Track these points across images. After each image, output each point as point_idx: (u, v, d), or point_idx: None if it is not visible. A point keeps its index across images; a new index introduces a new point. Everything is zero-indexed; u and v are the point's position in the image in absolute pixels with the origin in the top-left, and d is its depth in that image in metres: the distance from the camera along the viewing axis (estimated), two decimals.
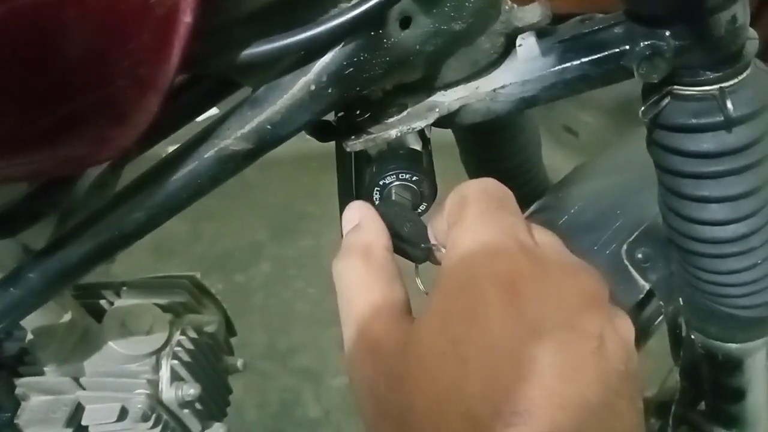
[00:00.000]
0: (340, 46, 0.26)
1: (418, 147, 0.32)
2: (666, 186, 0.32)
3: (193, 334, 0.48)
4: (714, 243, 0.32)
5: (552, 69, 0.29)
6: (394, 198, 0.30)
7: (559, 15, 0.30)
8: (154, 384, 0.46)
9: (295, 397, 1.06)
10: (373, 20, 0.26)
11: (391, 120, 0.30)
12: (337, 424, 1.03)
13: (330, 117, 0.32)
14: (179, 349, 0.47)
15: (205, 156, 0.28)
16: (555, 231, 0.26)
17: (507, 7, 0.29)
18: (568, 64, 0.29)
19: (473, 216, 0.23)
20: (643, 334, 0.40)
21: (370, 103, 0.31)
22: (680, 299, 0.37)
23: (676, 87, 0.28)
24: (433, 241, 0.26)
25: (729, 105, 0.27)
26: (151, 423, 0.46)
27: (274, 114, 0.27)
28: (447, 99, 0.30)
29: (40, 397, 0.46)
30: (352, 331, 0.23)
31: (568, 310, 0.21)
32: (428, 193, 0.30)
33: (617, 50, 0.28)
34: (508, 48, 0.30)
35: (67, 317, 0.44)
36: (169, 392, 0.46)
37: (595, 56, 0.28)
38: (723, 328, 0.36)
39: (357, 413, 0.23)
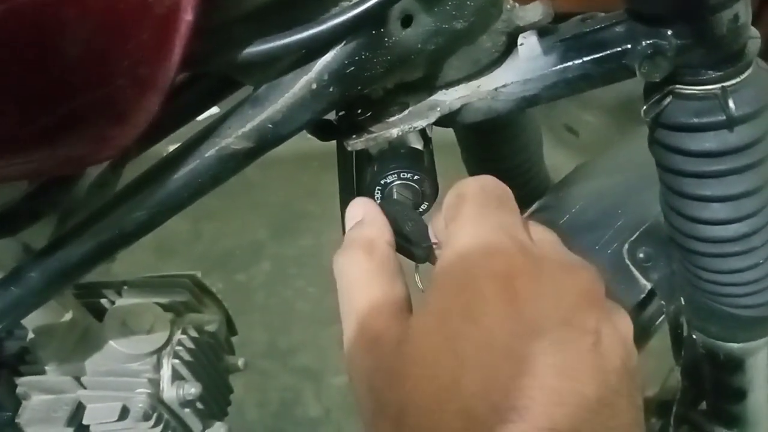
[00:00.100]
0: (342, 44, 0.26)
1: (419, 146, 0.32)
2: (668, 185, 0.32)
3: (194, 333, 0.48)
4: (715, 242, 0.31)
5: (553, 68, 0.29)
6: (395, 197, 0.30)
7: (559, 14, 0.30)
8: (155, 383, 0.46)
9: (295, 396, 1.06)
10: (374, 19, 0.26)
11: (392, 119, 0.30)
12: (337, 423, 1.03)
13: (331, 116, 0.32)
14: (180, 348, 0.47)
15: (206, 155, 0.28)
16: (556, 230, 0.26)
17: (508, 6, 0.29)
18: (570, 63, 0.29)
19: (470, 213, 0.23)
20: (644, 334, 0.40)
21: (371, 101, 0.31)
22: (682, 299, 0.37)
23: (677, 86, 0.28)
24: (433, 240, 0.26)
25: (731, 104, 0.27)
26: (152, 422, 0.46)
27: (275, 113, 0.27)
28: (448, 98, 0.30)
29: (41, 396, 0.46)
30: (352, 327, 0.23)
31: (564, 307, 0.21)
32: (429, 192, 0.30)
33: (619, 49, 0.28)
34: (510, 47, 0.30)
35: (68, 316, 0.44)
36: (170, 391, 0.46)
37: (597, 55, 0.28)
38: (724, 328, 0.36)
39: (356, 411, 0.23)
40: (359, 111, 0.31)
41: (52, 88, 0.23)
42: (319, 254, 1.25)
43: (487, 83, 0.30)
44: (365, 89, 0.28)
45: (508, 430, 0.18)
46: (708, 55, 0.27)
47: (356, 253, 0.24)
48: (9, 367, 0.46)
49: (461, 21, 0.27)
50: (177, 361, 0.47)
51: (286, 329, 1.16)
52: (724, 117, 0.28)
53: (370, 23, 0.26)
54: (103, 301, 0.49)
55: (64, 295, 0.45)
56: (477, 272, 0.21)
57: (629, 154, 0.43)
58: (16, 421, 0.45)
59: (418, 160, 0.31)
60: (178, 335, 0.47)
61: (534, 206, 0.41)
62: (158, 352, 0.46)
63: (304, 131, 0.30)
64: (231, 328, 0.56)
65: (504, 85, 0.30)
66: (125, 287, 0.49)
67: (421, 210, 0.31)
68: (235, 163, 0.28)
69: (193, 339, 0.48)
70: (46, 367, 0.45)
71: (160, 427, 0.46)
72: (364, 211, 0.27)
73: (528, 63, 0.30)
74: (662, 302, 0.39)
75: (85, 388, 0.46)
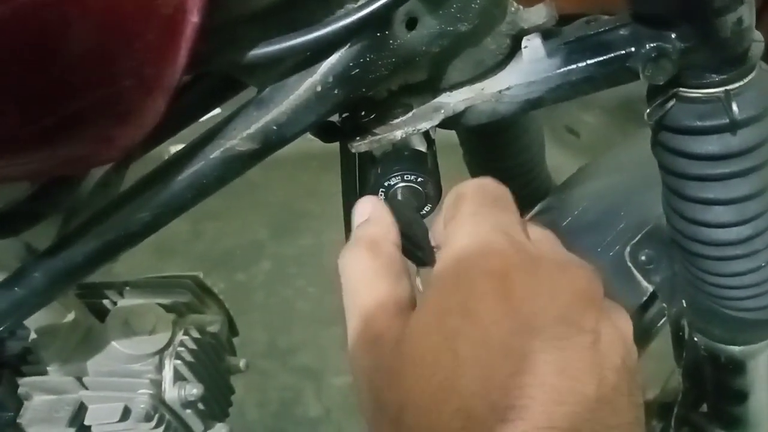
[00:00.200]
0: (347, 46, 0.26)
1: (422, 148, 0.32)
2: (670, 188, 0.32)
3: (195, 334, 0.48)
4: (718, 245, 0.32)
5: (557, 70, 0.29)
6: (399, 199, 0.30)
7: (561, 15, 0.30)
8: (157, 384, 0.46)
9: (295, 395, 1.06)
10: (379, 21, 0.26)
11: (396, 121, 0.30)
12: (337, 423, 1.03)
13: (334, 117, 0.32)
14: (182, 349, 0.47)
15: (211, 156, 0.28)
16: (559, 232, 0.26)
17: (513, 9, 0.29)
18: (574, 66, 0.29)
19: (467, 213, 0.24)
20: (646, 336, 0.40)
21: (375, 103, 0.31)
22: (683, 301, 0.37)
23: (681, 89, 0.28)
24: (433, 243, 0.26)
25: (734, 107, 0.27)
26: (153, 423, 0.46)
27: (279, 114, 0.27)
28: (452, 100, 0.30)
29: (43, 397, 0.46)
30: (355, 324, 0.23)
31: (562, 305, 0.21)
32: (433, 195, 0.30)
33: (623, 52, 0.28)
34: (514, 49, 0.30)
35: (70, 317, 0.44)
36: (172, 392, 0.46)
37: (601, 58, 0.28)
38: (726, 330, 0.36)
39: (359, 409, 0.23)
40: (363, 113, 0.31)
41: (58, 89, 0.23)
42: (320, 254, 1.25)
43: (491, 85, 0.30)
44: (369, 91, 0.29)
45: (508, 430, 0.18)
46: (712, 58, 0.27)
47: (361, 251, 0.24)
48: (11, 367, 0.46)
49: (465, 23, 0.27)
50: (179, 361, 0.47)
51: (287, 329, 1.16)
52: (728, 120, 0.28)
53: (374, 25, 0.26)
54: (105, 301, 0.49)
55: (67, 296, 0.45)
56: (474, 271, 0.21)
57: (631, 156, 0.43)
58: (18, 421, 0.45)
59: (421, 162, 0.31)
60: (180, 336, 0.47)
61: (537, 208, 0.41)
62: (160, 352, 0.46)
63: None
64: (233, 328, 0.56)
65: (508, 88, 0.30)
66: (127, 288, 0.49)
67: (424, 212, 0.31)
68: (239, 164, 0.28)
69: (194, 340, 0.48)
70: (48, 368, 0.45)
71: (162, 427, 0.46)
72: (371, 210, 0.27)
73: (532, 65, 0.30)
74: (664, 305, 0.39)
75: (86, 388, 0.46)
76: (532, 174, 0.45)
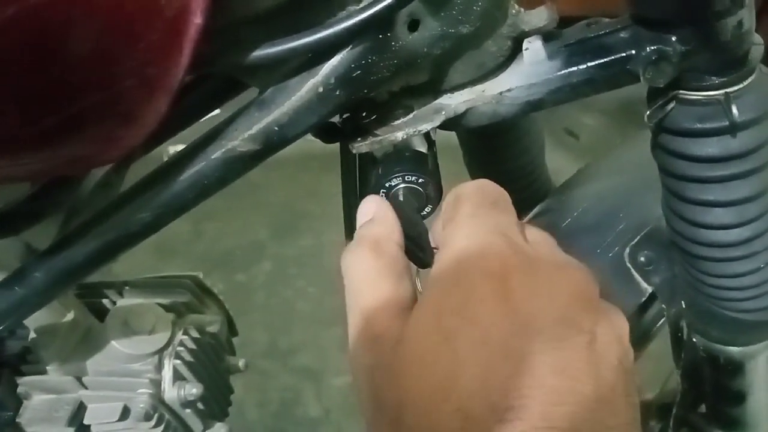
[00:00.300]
0: (349, 48, 0.26)
1: (423, 149, 0.32)
2: (670, 189, 0.32)
3: (195, 334, 0.48)
4: (717, 247, 0.32)
5: (558, 73, 0.29)
6: (400, 200, 0.30)
7: (562, 18, 0.30)
8: (156, 383, 0.46)
9: (295, 396, 1.06)
10: (381, 23, 0.26)
11: (397, 122, 0.31)
12: (337, 423, 1.03)
13: (335, 118, 0.32)
14: (182, 348, 0.47)
15: (213, 157, 0.28)
16: (558, 233, 0.26)
17: (514, 11, 0.29)
18: (575, 68, 0.29)
19: (466, 215, 0.24)
20: (644, 337, 0.40)
21: (376, 105, 0.31)
22: (682, 302, 0.37)
23: (681, 91, 0.28)
24: (433, 245, 0.26)
25: (734, 110, 0.27)
26: (153, 422, 0.46)
27: (281, 115, 0.27)
28: (453, 102, 0.30)
29: (43, 396, 0.46)
30: (356, 324, 0.23)
31: (559, 305, 0.21)
32: (434, 195, 0.30)
33: (623, 54, 0.28)
34: (515, 51, 0.30)
35: (69, 316, 0.44)
36: (171, 392, 0.46)
37: (602, 60, 0.28)
38: (725, 331, 0.36)
39: (359, 409, 0.23)
40: (364, 114, 0.31)
41: (60, 89, 0.23)
42: (320, 254, 1.25)
43: (492, 87, 0.30)
44: (371, 93, 0.29)
45: (506, 430, 0.18)
46: (712, 61, 0.27)
47: (364, 251, 0.25)
48: (10, 366, 0.46)
49: (467, 25, 0.27)
50: (178, 361, 0.47)
51: (287, 329, 1.16)
52: (727, 123, 0.28)
53: (377, 27, 0.26)
54: (105, 301, 0.49)
55: (66, 296, 0.45)
56: (473, 272, 0.21)
57: (631, 157, 0.43)
58: (17, 420, 0.45)
59: (422, 163, 0.31)
60: (180, 336, 0.47)
61: (536, 209, 0.41)
62: (160, 352, 0.46)
63: None
64: (232, 328, 0.56)
65: (509, 90, 0.30)
66: (127, 288, 0.49)
67: (425, 213, 0.31)
68: (241, 165, 0.29)
69: (194, 339, 0.48)
70: (48, 367, 0.45)
71: (161, 427, 0.46)
72: (375, 210, 0.27)
73: (533, 67, 0.30)
74: (663, 306, 0.39)
75: (86, 388, 0.46)
76: (532, 176, 0.45)
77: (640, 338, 0.40)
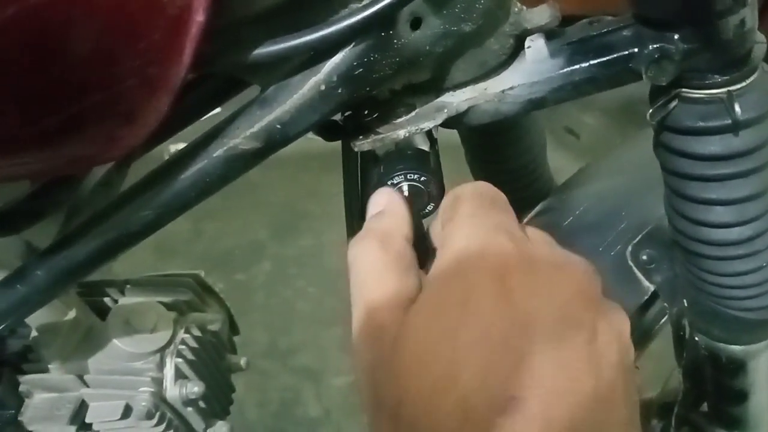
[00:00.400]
0: (351, 46, 0.26)
1: (425, 147, 0.32)
2: (672, 188, 0.32)
3: (197, 333, 0.48)
4: (719, 245, 0.32)
5: (560, 71, 0.29)
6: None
7: (564, 16, 0.30)
8: (158, 382, 0.46)
9: (295, 396, 1.06)
10: (383, 21, 0.26)
11: (399, 120, 0.31)
12: (337, 423, 1.03)
13: (337, 116, 0.32)
14: (183, 347, 0.47)
15: (214, 155, 0.28)
16: (560, 232, 0.27)
17: (516, 9, 0.29)
18: (577, 67, 0.29)
19: (466, 214, 0.24)
20: (646, 336, 0.40)
21: (378, 103, 0.31)
22: (684, 301, 0.37)
23: (683, 90, 0.28)
24: (431, 245, 0.26)
25: (736, 108, 0.27)
26: (155, 421, 0.46)
27: (283, 113, 0.27)
28: (455, 100, 0.30)
29: (44, 395, 0.46)
30: (360, 317, 0.23)
31: (560, 304, 0.21)
32: (436, 194, 0.30)
33: (626, 53, 0.28)
34: (517, 49, 0.30)
35: (71, 315, 0.44)
36: (173, 390, 0.46)
37: (604, 59, 0.28)
38: (727, 330, 0.36)
39: (360, 403, 0.23)
40: (366, 112, 0.31)
41: (62, 89, 0.23)
42: (320, 254, 1.25)
43: (494, 85, 0.30)
44: (373, 91, 0.29)
45: (506, 423, 0.18)
46: (714, 60, 0.27)
47: (371, 242, 0.25)
48: (12, 365, 0.46)
49: (469, 23, 0.27)
50: (180, 360, 0.47)
51: (287, 329, 1.16)
52: (730, 121, 0.28)
53: (379, 25, 0.26)
54: (107, 299, 0.49)
55: (68, 294, 0.45)
56: (473, 269, 0.21)
57: (633, 156, 0.43)
58: (19, 419, 0.45)
59: (424, 161, 0.31)
60: (181, 334, 0.47)
61: (537, 208, 0.41)
62: (161, 350, 0.46)
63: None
64: (233, 327, 0.56)
65: (511, 88, 0.30)
66: (128, 286, 0.49)
67: (427, 211, 0.31)
68: (242, 163, 0.29)
69: (196, 338, 0.48)
70: (49, 366, 0.45)
71: (163, 425, 0.46)
72: (386, 202, 0.27)
73: (535, 65, 0.30)
74: (665, 304, 0.39)
75: (88, 386, 0.46)
76: (534, 175, 0.45)
77: (641, 337, 0.40)
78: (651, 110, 0.29)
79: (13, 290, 0.33)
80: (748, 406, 0.40)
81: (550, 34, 0.30)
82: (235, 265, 1.28)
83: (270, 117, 0.27)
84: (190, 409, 0.48)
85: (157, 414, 0.46)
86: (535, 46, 0.30)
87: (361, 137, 0.31)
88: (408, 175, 0.29)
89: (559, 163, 0.49)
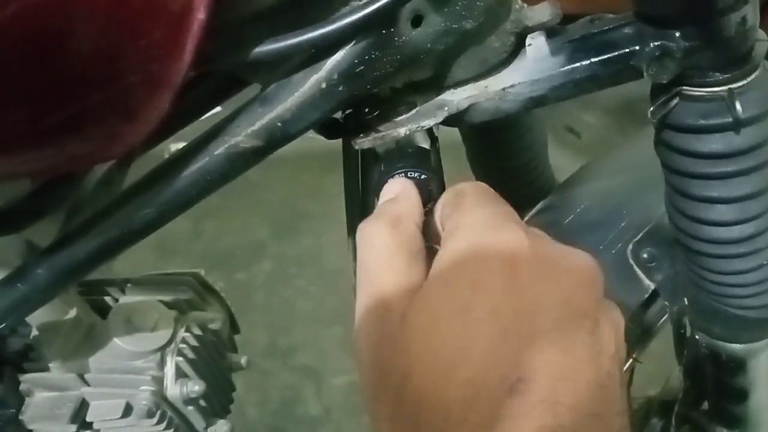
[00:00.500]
0: (352, 44, 0.26)
1: (426, 145, 0.32)
2: (673, 186, 0.32)
3: (197, 331, 0.48)
4: (720, 243, 0.32)
5: (561, 69, 0.29)
6: None
7: (565, 15, 0.30)
8: (158, 381, 0.46)
9: (295, 395, 1.07)
10: (384, 18, 0.26)
11: (400, 118, 0.31)
12: (337, 422, 1.03)
13: (337, 114, 0.32)
14: (184, 346, 0.47)
15: (215, 153, 0.28)
16: (561, 230, 0.27)
17: (517, 6, 0.29)
18: (578, 64, 0.29)
19: (472, 203, 0.25)
20: (647, 334, 0.40)
21: (379, 101, 0.31)
22: (685, 299, 0.37)
23: (685, 88, 0.28)
24: (426, 241, 0.27)
25: (738, 106, 0.27)
26: (155, 419, 0.46)
27: (284, 111, 0.27)
28: (456, 98, 0.30)
29: (45, 394, 0.46)
30: (365, 297, 0.24)
31: (566, 290, 0.21)
32: (436, 192, 0.30)
33: (627, 50, 0.28)
34: (518, 47, 0.30)
35: (72, 314, 0.44)
36: (173, 389, 0.46)
37: (605, 56, 0.28)
38: (727, 329, 0.36)
39: (359, 399, 0.23)
40: (367, 110, 0.31)
41: (64, 87, 0.23)
42: (320, 254, 1.25)
43: (495, 83, 0.30)
44: (374, 88, 0.29)
45: (515, 403, 0.19)
46: (715, 57, 0.27)
47: (382, 224, 0.25)
48: (13, 364, 0.46)
49: (471, 21, 0.27)
50: (181, 358, 0.47)
51: (287, 329, 1.16)
52: (731, 119, 0.28)
53: (380, 23, 0.26)
54: (107, 298, 0.49)
55: (69, 293, 0.45)
56: (484, 252, 0.22)
57: (634, 154, 0.43)
58: (20, 418, 0.45)
59: (425, 159, 0.31)
60: (182, 333, 0.47)
61: (539, 206, 0.41)
62: (162, 349, 0.46)
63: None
64: (234, 326, 0.56)
65: (512, 86, 0.30)
66: (129, 285, 0.49)
67: (427, 209, 0.31)
68: (243, 161, 0.29)
69: (196, 337, 0.48)
70: (50, 364, 0.45)
71: (164, 424, 0.46)
72: (400, 189, 0.27)
73: (536, 63, 0.30)
74: (666, 302, 0.39)
75: (88, 385, 0.46)
76: (535, 173, 0.45)
77: (642, 335, 0.40)
78: (652, 108, 0.29)
79: (13, 289, 0.33)
80: (748, 405, 0.40)
81: (551, 32, 0.30)
82: (235, 265, 1.28)
83: (271, 115, 0.27)
84: (190, 407, 0.48)
85: (158, 413, 0.46)
86: (536, 43, 0.30)
87: (361, 135, 0.31)
88: (408, 173, 0.29)
89: (560, 162, 0.49)
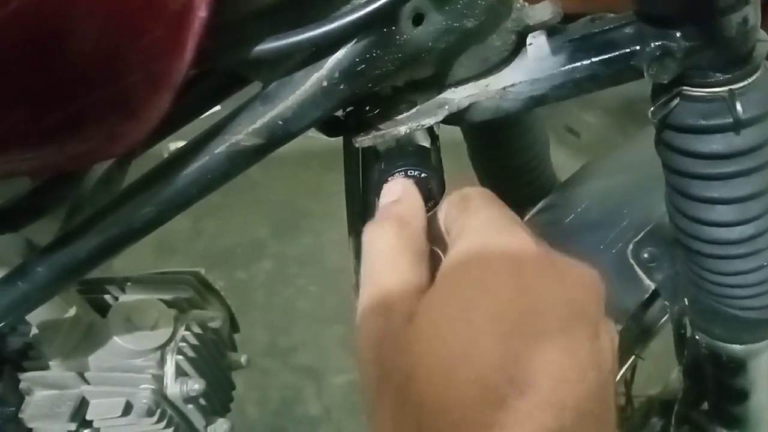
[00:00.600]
0: (353, 42, 0.26)
1: (426, 144, 0.32)
2: (673, 186, 0.32)
3: (197, 330, 0.48)
4: (721, 244, 0.32)
5: (562, 68, 0.29)
6: None
7: (566, 14, 0.30)
8: (158, 379, 0.46)
9: (295, 394, 1.06)
10: (386, 17, 0.26)
11: (400, 116, 0.31)
12: (337, 422, 1.03)
13: (338, 113, 0.32)
14: (184, 344, 0.47)
15: (216, 151, 0.28)
16: (561, 229, 0.27)
17: (518, 5, 0.29)
18: (578, 64, 0.29)
19: (478, 206, 0.25)
20: (647, 334, 0.40)
21: (380, 99, 0.31)
22: (685, 299, 0.37)
23: (685, 88, 0.28)
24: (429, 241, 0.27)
25: (738, 107, 0.27)
26: (155, 418, 0.46)
27: (285, 110, 0.27)
28: (457, 96, 0.30)
29: (45, 392, 0.46)
30: (368, 296, 0.24)
31: (570, 295, 0.21)
32: (436, 191, 0.30)
33: (627, 50, 0.28)
34: (519, 46, 0.30)
35: (71, 312, 0.44)
36: (173, 387, 0.46)
37: (606, 56, 0.28)
38: (728, 329, 0.36)
39: (359, 400, 0.23)
40: (368, 108, 0.31)
41: (64, 85, 0.23)
42: (320, 253, 1.25)
43: (496, 82, 0.30)
44: (375, 87, 0.29)
45: (520, 405, 0.19)
46: (716, 58, 0.27)
47: (387, 224, 0.25)
48: (12, 362, 0.46)
49: (472, 19, 0.27)
50: (181, 357, 0.47)
51: (287, 327, 1.16)
52: (732, 119, 0.28)
53: (381, 21, 0.26)
54: (107, 297, 0.49)
55: (68, 291, 0.45)
56: (490, 254, 0.22)
57: (634, 154, 0.43)
58: (20, 416, 0.45)
59: (425, 157, 0.31)
60: (182, 332, 0.47)
61: (540, 205, 0.41)
62: (162, 348, 0.46)
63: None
64: (234, 324, 0.56)
65: (512, 85, 0.30)
66: (129, 283, 0.49)
67: (427, 207, 0.31)
68: (244, 159, 0.29)
69: (196, 335, 0.48)
70: (50, 363, 0.45)
71: (164, 422, 0.46)
72: (402, 190, 0.27)
73: (537, 63, 0.30)
74: (666, 302, 0.39)
75: (88, 383, 0.46)
76: (536, 172, 0.45)
77: (642, 335, 0.40)
78: (652, 108, 0.29)
79: (13, 287, 0.33)
80: (748, 405, 0.40)
81: (551, 31, 0.30)
82: (235, 263, 1.28)
83: (272, 113, 0.27)
84: (190, 406, 0.48)
85: (158, 411, 0.46)
86: (537, 42, 0.30)
87: (362, 133, 0.31)
88: (408, 172, 0.29)
89: (560, 162, 0.49)
